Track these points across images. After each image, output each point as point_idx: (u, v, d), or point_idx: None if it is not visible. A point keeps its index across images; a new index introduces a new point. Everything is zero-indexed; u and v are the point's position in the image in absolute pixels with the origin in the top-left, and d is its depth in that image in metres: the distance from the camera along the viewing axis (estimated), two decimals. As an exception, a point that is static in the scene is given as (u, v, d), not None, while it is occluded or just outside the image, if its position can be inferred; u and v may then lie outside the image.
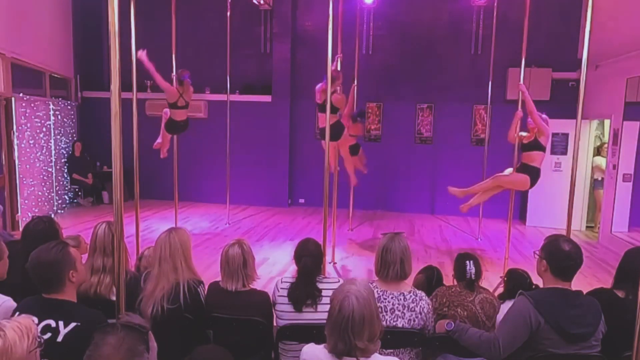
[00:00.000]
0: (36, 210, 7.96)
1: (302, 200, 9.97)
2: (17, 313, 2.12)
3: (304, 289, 2.76)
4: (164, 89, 6.29)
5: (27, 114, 7.93)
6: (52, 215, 7.57)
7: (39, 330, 2.01)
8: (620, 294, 2.58)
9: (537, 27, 8.04)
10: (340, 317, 1.73)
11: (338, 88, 6.10)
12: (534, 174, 5.58)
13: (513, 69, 8.51)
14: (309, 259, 2.81)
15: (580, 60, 3.63)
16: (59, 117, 9.04)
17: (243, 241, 2.86)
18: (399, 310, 2.54)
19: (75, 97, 9.73)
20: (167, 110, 6.46)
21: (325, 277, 2.92)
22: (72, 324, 2.06)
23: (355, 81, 7.56)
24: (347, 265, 6.15)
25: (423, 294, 2.64)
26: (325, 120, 4.49)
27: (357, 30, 7.94)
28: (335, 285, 2.76)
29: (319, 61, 7.24)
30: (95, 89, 9.83)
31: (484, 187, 6.17)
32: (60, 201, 9.03)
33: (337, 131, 5.84)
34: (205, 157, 9.71)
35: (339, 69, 6.25)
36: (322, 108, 6.17)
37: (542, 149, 5.55)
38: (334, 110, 5.70)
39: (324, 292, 2.76)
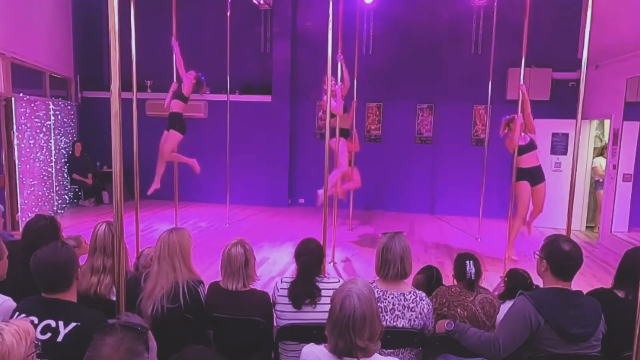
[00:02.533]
0: (36, 210, 7.95)
1: (302, 200, 9.97)
2: (17, 313, 2.12)
3: (302, 287, 2.77)
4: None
5: (27, 114, 7.93)
6: (52, 215, 7.57)
7: (39, 330, 2.01)
8: (620, 294, 2.57)
9: (537, 27, 8.04)
10: (341, 316, 1.73)
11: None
12: (540, 172, 5.83)
13: (513, 69, 8.51)
14: (308, 257, 2.83)
15: (580, 60, 3.63)
16: (59, 117, 9.04)
17: (245, 241, 2.87)
18: (399, 311, 2.53)
19: (75, 97, 9.73)
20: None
21: (325, 277, 2.92)
22: (72, 324, 2.05)
23: (355, 98, 7.59)
24: (347, 265, 6.15)
25: (423, 294, 2.64)
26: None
27: (357, 30, 7.93)
28: (336, 285, 2.77)
29: (319, 61, 7.23)
30: (95, 89, 9.82)
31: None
32: (60, 201, 9.03)
33: None
34: (205, 157, 9.70)
35: (340, 76, 6.23)
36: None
37: (536, 147, 5.83)
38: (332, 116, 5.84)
39: (324, 292, 2.76)
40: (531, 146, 5.79)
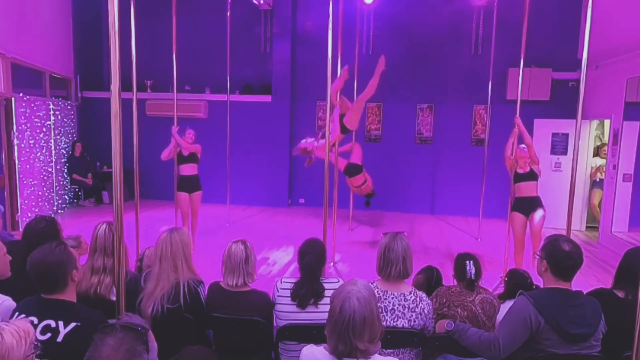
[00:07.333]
0: (36, 210, 7.96)
1: (302, 200, 9.97)
2: (17, 313, 2.12)
3: (310, 287, 2.77)
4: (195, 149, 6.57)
5: (27, 114, 7.93)
6: (52, 215, 7.57)
7: (39, 330, 2.01)
8: (620, 294, 2.57)
9: (537, 27, 8.04)
10: (341, 319, 1.72)
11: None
12: (538, 203, 5.52)
13: (513, 69, 8.51)
14: (312, 256, 2.82)
15: (580, 60, 3.63)
16: (59, 117, 9.04)
17: (246, 241, 2.88)
18: (399, 311, 2.53)
19: (75, 97, 9.73)
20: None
21: (325, 278, 2.92)
22: (72, 324, 2.05)
23: (353, 140, 7.67)
24: (347, 266, 6.15)
25: (424, 294, 2.64)
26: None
27: (357, 30, 7.93)
28: (335, 285, 2.78)
29: (319, 61, 7.24)
30: (95, 89, 9.83)
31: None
32: (60, 201, 9.03)
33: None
34: (205, 157, 9.70)
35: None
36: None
37: (537, 178, 5.53)
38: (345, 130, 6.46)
39: (325, 292, 2.76)
40: (530, 176, 5.50)
